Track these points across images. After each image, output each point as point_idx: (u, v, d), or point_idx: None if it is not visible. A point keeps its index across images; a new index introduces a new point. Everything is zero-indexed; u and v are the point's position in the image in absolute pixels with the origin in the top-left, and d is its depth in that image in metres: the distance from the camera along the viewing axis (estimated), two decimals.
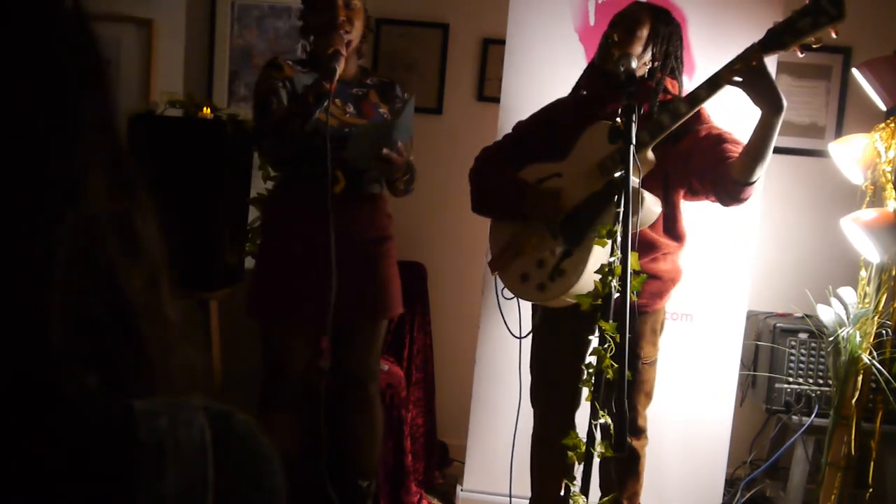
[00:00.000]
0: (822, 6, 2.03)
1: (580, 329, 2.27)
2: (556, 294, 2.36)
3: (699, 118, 2.37)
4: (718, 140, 2.31)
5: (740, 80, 2.13)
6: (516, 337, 2.55)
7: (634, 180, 2.28)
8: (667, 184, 2.40)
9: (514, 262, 2.48)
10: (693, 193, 2.41)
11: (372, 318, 2.65)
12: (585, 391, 2.12)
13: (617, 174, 2.06)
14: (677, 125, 2.24)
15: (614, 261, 2.06)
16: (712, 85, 2.18)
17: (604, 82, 2.42)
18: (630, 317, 1.94)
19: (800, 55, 2.16)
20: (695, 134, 2.35)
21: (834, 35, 2.07)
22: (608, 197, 2.15)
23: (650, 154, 2.29)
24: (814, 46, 2.11)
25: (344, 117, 2.52)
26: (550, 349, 2.52)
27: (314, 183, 2.46)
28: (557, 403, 2.52)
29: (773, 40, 2.10)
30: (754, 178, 2.22)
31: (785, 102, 2.12)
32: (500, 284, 2.54)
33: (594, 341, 2.10)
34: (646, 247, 2.37)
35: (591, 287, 2.19)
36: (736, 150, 2.27)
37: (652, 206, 2.29)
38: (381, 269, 2.61)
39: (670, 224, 2.43)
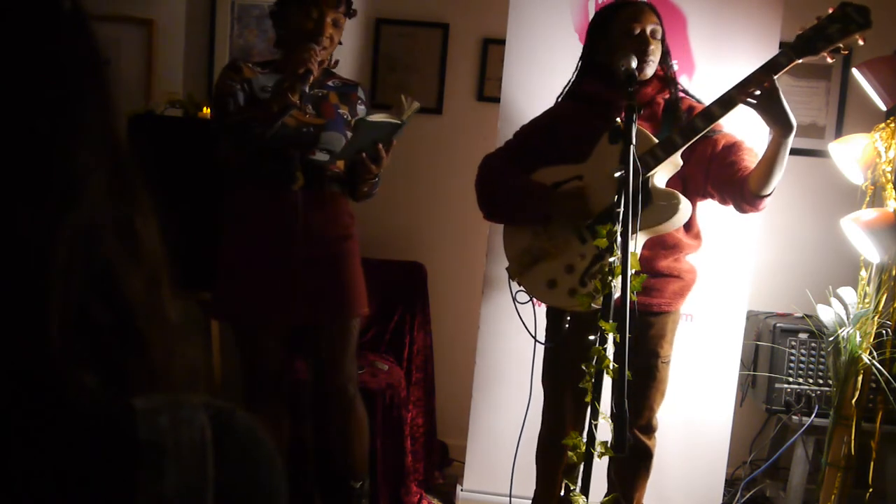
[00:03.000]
0: (849, 14, 2.11)
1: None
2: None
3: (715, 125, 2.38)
4: (735, 151, 2.36)
5: (753, 101, 2.20)
6: (539, 342, 2.52)
7: (661, 182, 2.30)
8: (686, 186, 2.41)
9: (537, 268, 2.45)
10: (704, 197, 2.44)
11: (339, 318, 2.62)
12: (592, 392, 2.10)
13: (617, 174, 2.05)
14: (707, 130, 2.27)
15: (614, 260, 2.05)
16: (725, 104, 2.23)
17: (610, 86, 2.41)
18: (630, 316, 1.94)
19: (829, 61, 2.23)
20: (712, 142, 2.38)
21: (861, 42, 2.15)
22: (637, 198, 2.15)
23: (678, 157, 2.31)
24: (843, 52, 2.18)
25: (304, 118, 2.53)
26: (579, 355, 2.49)
27: (273, 183, 2.49)
28: (580, 409, 2.50)
29: (804, 46, 2.16)
30: (770, 191, 2.30)
31: (795, 123, 2.19)
32: (515, 289, 2.51)
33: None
34: (670, 247, 2.39)
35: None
36: (751, 161, 2.33)
37: (686, 209, 2.32)
38: (344, 267, 2.60)
39: (689, 224, 2.44)
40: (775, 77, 2.18)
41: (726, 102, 2.23)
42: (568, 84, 2.55)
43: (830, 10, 2.13)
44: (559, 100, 2.57)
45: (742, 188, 2.31)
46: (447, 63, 3.60)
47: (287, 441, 2.66)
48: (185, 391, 0.54)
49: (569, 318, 2.43)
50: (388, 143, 2.48)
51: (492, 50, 3.55)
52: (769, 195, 2.31)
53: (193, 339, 0.58)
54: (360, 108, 2.66)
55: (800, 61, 2.18)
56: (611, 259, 2.05)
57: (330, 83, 2.64)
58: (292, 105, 2.39)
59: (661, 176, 2.35)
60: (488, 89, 3.57)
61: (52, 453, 0.47)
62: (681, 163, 2.34)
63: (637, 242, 2.14)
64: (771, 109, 2.18)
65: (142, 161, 0.56)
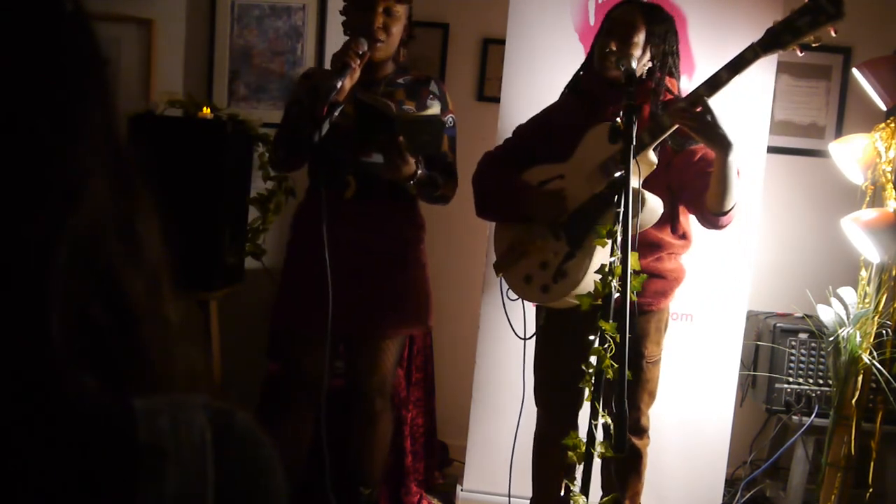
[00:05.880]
0: (820, 5, 2.04)
1: (584, 329, 2.27)
2: (559, 295, 2.36)
3: None
4: (708, 165, 2.32)
5: (690, 125, 2.16)
6: (521, 338, 2.54)
7: (634, 181, 2.29)
8: (671, 188, 2.41)
9: (518, 264, 2.47)
10: (682, 204, 2.44)
11: (376, 334, 2.55)
12: (586, 391, 2.11)
13: (616, 174, 2.06)
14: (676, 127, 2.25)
15: (614, 260, 2.06)
16: (691, 103, 2.18)
17: (604, 86, 2.42)
18: (630, 316, 1.94)
19: (799, 54, 2.18)
20: (690, 154, 2.36)
21: (833, 34, 2.08)
22: (610, 198, 2.15)
23: (651, 155, 2.29)
24: (813, 45, 2.12)
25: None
26: (555, 349, 2.52)
27: (325, 189, 2.40)
28: (561, 403, 2.51)
29: (772, 40, 2.11)
30: (726, 209, 2.27)
31: (733, 142, 2.14)
32: (506, 286, 2.53)
33: (596, 341, 2.10)
34: (651, 246, 2.38)
35: (593, 288, 2.19)
36: None
37: (654, 207, 2.30)
38: (393, 282, 2.51)
39: (675, 224, 2.44)
40: (739, 74, 2.15)
41: (693, 101, 2.19)
42: (573, 77, 2.56)
43: (805, 1, 2.08)
44: (563, 93, 2.58)
45: (702, 205, 2.31)
46: (447, 63, 3.60)
47: (311, 442, 2.60)
48: (185, 392, 0.54)
49: (544, 313, 2.48)
50: (388, 133, 2.28)
51: (492, 50, 3.55)
52: (726, 214, 2.28)
53: (193, 340, 0.58)
54: (431, 104, 2.49)
55: (766, 56, 2.14)
56: (611, 259, 2.06)
57: (400, 80, 2.50)
58: (335, 104, 2.26)
59: (633, 175, 2.34)
60: (488, 89, 3.57)
61: (52, 455, 0.47)
62: (655, 161, 2.31)
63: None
64: (705, 130, 2.15)
65: (142, 161, 0.56)
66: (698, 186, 2.32)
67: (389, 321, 2.54)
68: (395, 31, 2.43)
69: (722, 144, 2.15)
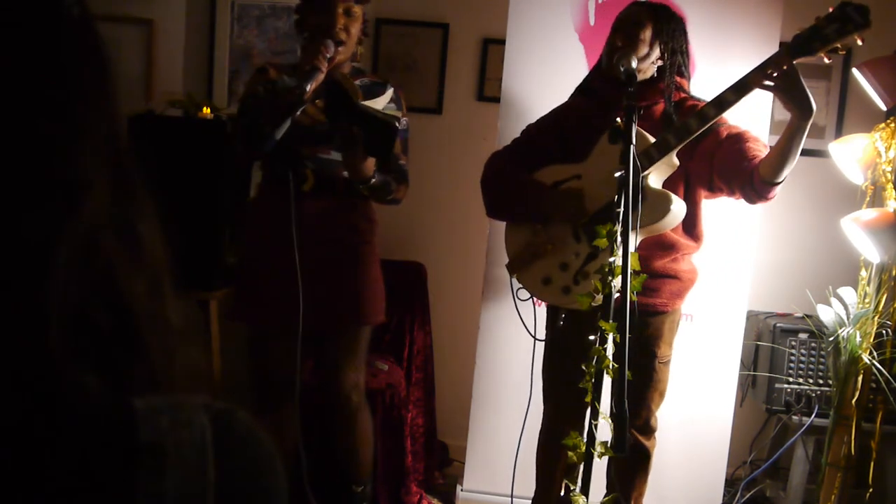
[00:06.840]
0: (848, 14, 2.08)
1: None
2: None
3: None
4: (740, 140, 2.33)
5: (772, 84, 2.16)
6: (536, 339, 2.53)
7: (657, 183, 2.30)
8: (688, 184, 2.41)
9: (534, 265, 2.46)
10: (712, 191, 2.42)
11: (344, 327, 2.56)
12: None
13: (617, 174, 2.06)
14: (704, 128, 2.25)
15: (614, 260, 2.05)
16: (740, 88, 2.21)
17: (614, 86, 2.42)
18: (630, 316, 1.94)
19: (826, 61, 2.21)
20: (716, 134, 2.36)
21: (860, 42, 2.11)
22: (636, 199, 2.14)
23: (674, 157, 2.30)
24: (840, 52, 2.15)
25: (319, 116, 2.45)
26: (573, 350, 2.50)
27: (284, 184, 2.42)
28: (574, 404, 2.50)
29: (801, 46, 2.14)
30: (782, 178, 2.26)
31: (815, 106, 2.15)
32: (516, 286, 2.52)
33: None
34: (667, 247, 2.38)
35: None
36: (758, 149, 2.30)
37: (678, 208, 2.30)
38: (353, 275, 2.53)
39: (690, 224, 2.43)
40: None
41: (721, 103, 2.22)
42: (585, 79, 2.56)
43: (830, 10, 2.12)
44: (574, 93, 2.58)
45: (752, 176, 2.27)
46: (447, 63, 3.60)
47: (293, 444, 2.61)
48: (186, 393, 0.54)
49: (563, 314, 2.45)
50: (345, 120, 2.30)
51: (492, 50, 3.55)
52: (780, 183, 2.27)
53: (194, 340, 0.58)
54: (389, 108, 2.53)
55: (794, 62, 2.17)
56: (611, 259, 2.05)
57: (357, 82, 2.51)
58: (299, 103, 2.29)
59: (655, 176, 2.35)
60: (488, 89, 3.57)
61: (53, 455, 0.47)
62: (677, 163, 2.34)
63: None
64: (790, 91, 2.14)
65: (142, 161, 0.56)
66: (735, 161, 2.30)
67: (352, 314, 2.55)
68: (354, 32, 2.45)
69: (805, 105, 2.14)
